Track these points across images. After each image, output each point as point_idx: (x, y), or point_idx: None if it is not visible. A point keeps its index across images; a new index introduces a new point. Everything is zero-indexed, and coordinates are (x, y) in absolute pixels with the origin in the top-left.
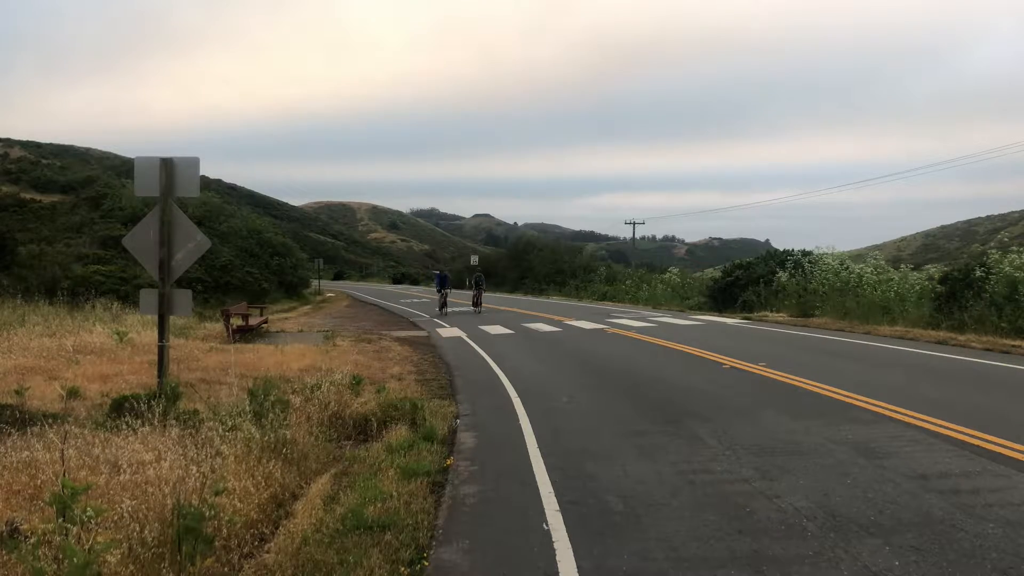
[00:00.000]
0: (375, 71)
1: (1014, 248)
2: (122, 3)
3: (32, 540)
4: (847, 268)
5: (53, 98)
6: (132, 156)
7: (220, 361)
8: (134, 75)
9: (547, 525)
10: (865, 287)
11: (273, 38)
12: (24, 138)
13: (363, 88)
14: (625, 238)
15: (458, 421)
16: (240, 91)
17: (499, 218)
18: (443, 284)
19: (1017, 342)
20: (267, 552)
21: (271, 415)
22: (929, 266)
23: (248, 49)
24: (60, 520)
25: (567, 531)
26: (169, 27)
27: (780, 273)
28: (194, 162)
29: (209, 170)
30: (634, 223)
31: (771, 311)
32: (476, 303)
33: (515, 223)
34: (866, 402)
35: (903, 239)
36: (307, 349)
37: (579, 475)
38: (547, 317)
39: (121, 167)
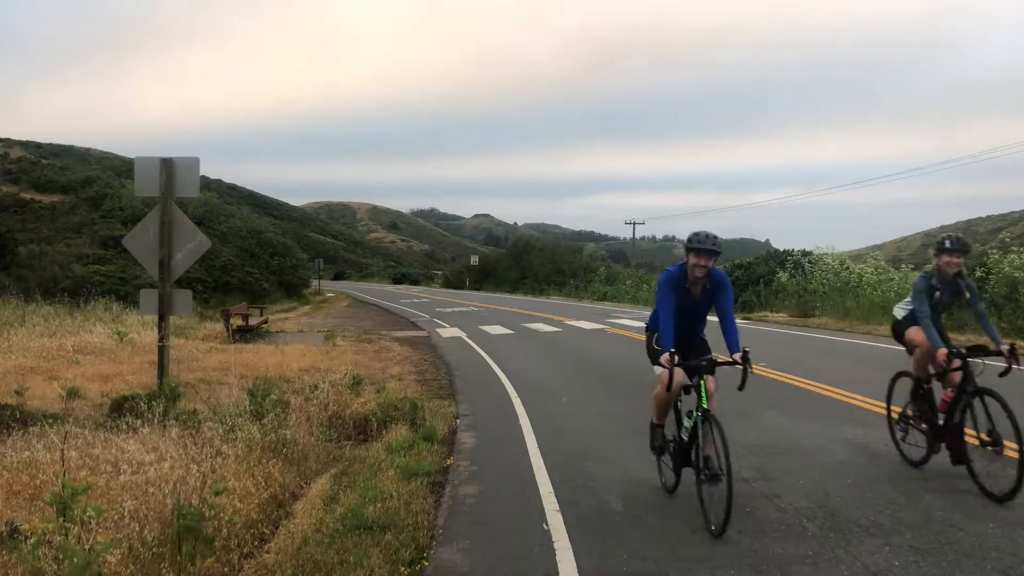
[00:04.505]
0: (375, 70)
1: (1014, 248)
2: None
3: (32, 540)
4: (847, 268)
5: (47, 97)
6: (132, 156)
7: (220, 361)
8: (134, 75)
9: (547, 525)
10: (865, 287)
11: (272, 37)
12: (23, 138)
13: (362, 87)
14: (625, 238)
15: (458, 421)
16: (239, 90)
17: (499, 218)
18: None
19: (1017, 342)
20: (267, 552)
21: (271, 415)
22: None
23: (247, 48)
24: (60, 520)
25: (567, 531)
26: (165, 27)
27: (780, 273)
28: (194, 162)
29: (208, 170)
30: (634, 223)
31: (771, 311)
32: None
33: (515, 223)
34: (866, 402)
35: (903, 239)
36: (307, 349)
37: (579, 475)
38: (547, 317)
39: (121, 167)
